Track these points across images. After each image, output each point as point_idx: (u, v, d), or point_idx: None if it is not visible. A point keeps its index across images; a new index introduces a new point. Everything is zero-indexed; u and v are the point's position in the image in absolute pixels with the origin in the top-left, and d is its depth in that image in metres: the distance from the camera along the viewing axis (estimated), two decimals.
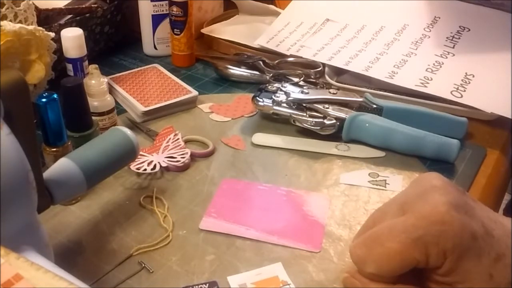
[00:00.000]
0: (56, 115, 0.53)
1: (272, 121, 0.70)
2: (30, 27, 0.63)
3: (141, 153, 0.60)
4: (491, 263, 0.39)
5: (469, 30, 0.84)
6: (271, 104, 0.68)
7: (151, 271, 0.48)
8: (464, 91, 0.71)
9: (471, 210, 0.41)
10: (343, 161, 0.63)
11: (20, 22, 0.67)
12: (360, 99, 0.68)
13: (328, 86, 0.74)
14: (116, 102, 0.70)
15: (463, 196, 0.42)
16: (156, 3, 0.85)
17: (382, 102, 0.67)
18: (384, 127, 0.64)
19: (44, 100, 0.51)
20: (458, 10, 0.87)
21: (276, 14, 0.94)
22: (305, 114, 0.66)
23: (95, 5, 0.83)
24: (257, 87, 0.71)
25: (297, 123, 0.66)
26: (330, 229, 0.53)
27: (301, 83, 0.75)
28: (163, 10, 0.85)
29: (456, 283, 0.40)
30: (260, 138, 0.67)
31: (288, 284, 0.47)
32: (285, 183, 0.59)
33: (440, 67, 0.77)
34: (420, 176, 0.45)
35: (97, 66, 0.64)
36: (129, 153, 0.52)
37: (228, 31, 0.92)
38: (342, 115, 0.65)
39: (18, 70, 0.62)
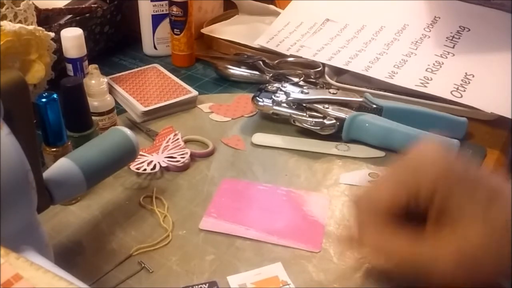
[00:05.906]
0: (56, 115, 0.53)
1: (272, 121, 0.70)
2: (30, 27, 0.63)
3: (141, 153, 0.60)
4: (485, 202, 0.39)
5: (469, 30, 0.84)
6: (271, 104, 0.67)
7: (151, 271, 0.48)
8: (464, 91, 0.71)
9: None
10: (343, 161, 0.63)
11: (20, 22, 0.67)
12: (360, 99, 0.68)
13: (328, 86, 0.73)
14: (116, 102, 0.70)
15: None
16: (156, 3, 0.85)
17: (382, 102, 0.67)
18: (384, 127, 0.64)
19: (44, 100, 0.51)
20: (458, 10, 0.87)
21: (276, 14, 0.94)
22: (305, 114, 0.66)
23: (95, 5, 0.83)
24: (257, 87, 0.71)
25: (297, 123, 0.66)
26: (330, 229, 0.53)
27: (301, 83, 0.75)
28: (163, 10, 0.85)
29: (452, 222, 0.40)
30: (260, 138, 0.67)
31: (288, 284, 0.46)
32: (285, 183, 0.59)
33: (440, 67, 0.77)
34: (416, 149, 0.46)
35: (97, 66, 0.64)
36: (129, 153, 0.52)
37: (228, 31, 0.92)
38: (342, 115, 0.65)
39: (18, 70, 0.62)
